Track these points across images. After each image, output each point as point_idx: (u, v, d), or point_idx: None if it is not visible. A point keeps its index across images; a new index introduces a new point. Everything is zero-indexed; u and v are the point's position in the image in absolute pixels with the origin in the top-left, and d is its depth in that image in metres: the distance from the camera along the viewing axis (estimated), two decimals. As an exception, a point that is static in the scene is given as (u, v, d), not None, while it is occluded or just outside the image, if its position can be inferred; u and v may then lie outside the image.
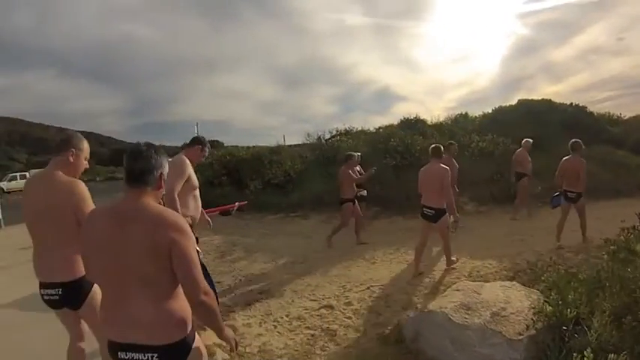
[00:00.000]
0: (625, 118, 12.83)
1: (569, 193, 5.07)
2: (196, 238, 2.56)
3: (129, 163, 1.38)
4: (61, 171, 2.03)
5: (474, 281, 3.66)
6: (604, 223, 4.95)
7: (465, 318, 2.52)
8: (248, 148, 12.28)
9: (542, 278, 3.09)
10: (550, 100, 12.03)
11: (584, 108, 11.68)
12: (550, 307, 2.34)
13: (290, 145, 13.81)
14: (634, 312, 2.17)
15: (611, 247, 3.69)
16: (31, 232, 2.08)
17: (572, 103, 11.83)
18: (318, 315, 3.59)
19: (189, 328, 1.41)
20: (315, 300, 3.95)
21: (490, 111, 12.79)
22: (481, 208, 7.84)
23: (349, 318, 3.49)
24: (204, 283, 1.36)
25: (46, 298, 2.04)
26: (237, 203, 5.09)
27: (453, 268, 4.48)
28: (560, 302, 2.36)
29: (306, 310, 3.72)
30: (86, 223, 1.45)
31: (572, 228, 6.05)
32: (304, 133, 12.12)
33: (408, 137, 10.14)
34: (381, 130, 11.17)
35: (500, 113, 12.19)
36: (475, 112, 13.53)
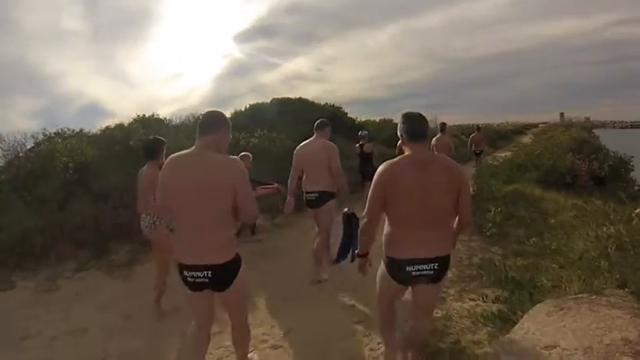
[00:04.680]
0: (361, 121, 14.35)
1: (476, 151, 9.42)
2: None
3: None
4: None
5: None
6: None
7: None
8: None
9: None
10: (306, 99, 11.75)
11: (339, 108, 11.99)
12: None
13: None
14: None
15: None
16: None
17: (327, 103, 11.95)
18: None
19: None
20: None
21: (243, 109, 11.87)
22: (276, 220, 5.74)
23: None
24: None
25: None
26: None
27: None
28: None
29: None
30: None
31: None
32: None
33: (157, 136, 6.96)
34: (108, 129, 7.27)
35: (257, 110, 11.43)
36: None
